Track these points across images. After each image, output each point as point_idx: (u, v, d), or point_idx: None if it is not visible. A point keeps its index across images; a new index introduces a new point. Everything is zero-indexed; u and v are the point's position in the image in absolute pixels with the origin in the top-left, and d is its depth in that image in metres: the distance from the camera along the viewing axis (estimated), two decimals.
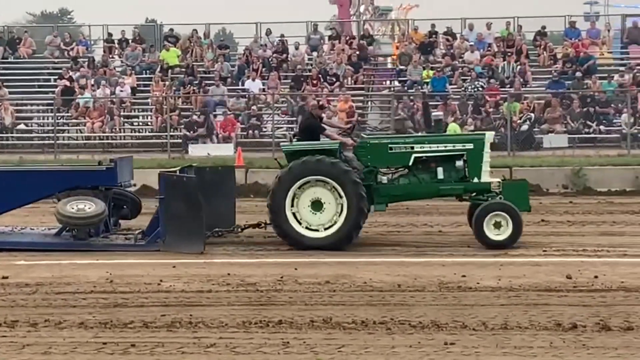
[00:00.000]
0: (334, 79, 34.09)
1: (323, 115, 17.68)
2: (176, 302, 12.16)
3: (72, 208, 16.65)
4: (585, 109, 31.15)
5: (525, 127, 30.47)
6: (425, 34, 36.73)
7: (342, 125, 19.33)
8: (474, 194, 16.75)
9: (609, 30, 36.54)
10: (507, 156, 27.48)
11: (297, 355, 9.76)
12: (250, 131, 32.21)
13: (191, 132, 31.88)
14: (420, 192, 17.13)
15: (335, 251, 15.77)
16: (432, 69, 33.97)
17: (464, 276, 13.47)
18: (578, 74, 32.65)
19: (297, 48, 36.54)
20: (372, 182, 16.45)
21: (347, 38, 37.44)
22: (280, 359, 9.68)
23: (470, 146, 16.65)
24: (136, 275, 13.91)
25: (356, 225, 16.11)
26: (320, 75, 34.03)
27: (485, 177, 16.64)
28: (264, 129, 32.63)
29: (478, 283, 13.04)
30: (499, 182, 16.81)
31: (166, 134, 31.93)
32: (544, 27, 36.01)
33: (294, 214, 16.13)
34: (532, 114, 30.90)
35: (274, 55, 36.11)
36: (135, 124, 35.49)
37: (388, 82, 35.97)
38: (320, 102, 18.33)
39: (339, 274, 13.77)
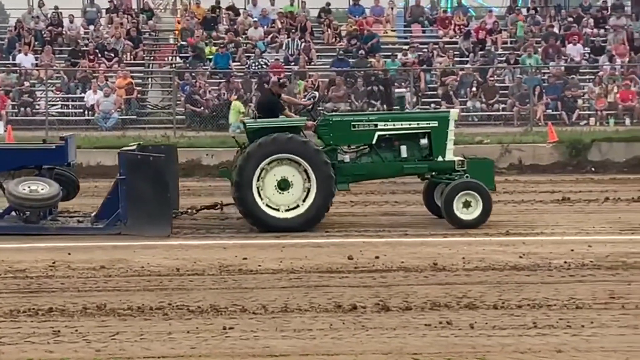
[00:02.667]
0: (113, 55, 33.12)
1: (282, 93, 16.92)
2: None
3: (24, 189, 15.54)
4: (369, 88, 31.42)
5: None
6: (208, 9, 36.18)
7: (303, 102, 18.60)
8: (437, 172, 16.37)
9: (392, 9, 36.99)
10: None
11: (68, 344, 9.30)
12: (22, 109, 30.87)
13: None
14: (384, 171, 16.75)
15: (301, 232, 15.31)
16: (215, 45, 33.53)
17: (245, 259, 13.22)
18: (362, 52, 32.91)
19: (72, 21, 35.23)
20: (335, 161, 15.91)
21: (126, 11, 36.39)
22: (50, 348, 9.18)
23: (435, 124, 16.34)
24: None
25: (325, 206, 15.62)
26: (97, 51, 33.03)
27: (450, 156, 16.31)
28: (37, 107, 31.30)
29: (259, 265, 12.82)
30: (462, 160, 16.40)
31: None
32: (328, 4, 36.07)
33: (259, 192, 15.48)
34: (317, 92, 30.82)
35: (48, 28, 34.73)
36: None
37: (169, 57, 35.27)
38: (281, 80, 17.55)
39: (115, 259, 13.29)
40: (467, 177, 16.00)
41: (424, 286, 11.58)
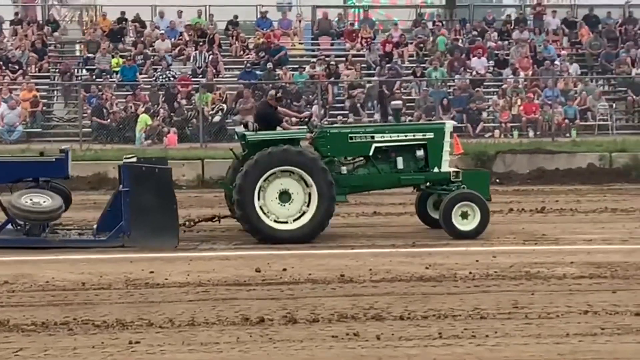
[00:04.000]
0: (17, 67, 32.63)
1: (278, 106, 17.00)
2: None
3: (27, 202, 15.27)
4: None
5: (217, 118, 30.39)
6: (114, 21, 35.89)
7: (298, 114, 18.53)
8: (433, 183, 16.47)
9: (300, 21, 37.13)
10: (200, 148, 27.27)
11: None
12: None
13: None
14: (381, 182, 16.80)
15: (305, 243, 15.35)
16: (121, 57, 33.25)
17: (152, 272, 13.12)
18: (270, 64, 32.94)
19: None
20: (333, 173, 15.84)
21: (31, 23, 35.90)
22: None
23: (431, 135, 16.45)
24: None
25: (329, 213, 15.65)
26: (1, 62, 32.52)
27: (445, 167, 16.40)
28: None
29: (166, 279, 12.74)
30: (457, 171, 16.49)
31: None
32: (236, 17, 36.08)
33: (260, 207, 15.41)
34: (225, 105, 30.89)
35: None
36: None
37: (75, 70, 34.85)
38: (278, 95, 17.63)
39: (19, 274, 13.06)
40: (463, 187, 16.17)
41: (331, 298, 11.62)
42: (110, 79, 32.07)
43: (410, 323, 10.42)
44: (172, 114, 30.38)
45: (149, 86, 31.83)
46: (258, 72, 32.91)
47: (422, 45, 34.86)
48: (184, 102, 31.16)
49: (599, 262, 13.61)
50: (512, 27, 36.46)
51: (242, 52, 34.67)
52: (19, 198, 15.46)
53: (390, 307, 11.07)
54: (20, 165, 16.50)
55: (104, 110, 30.07)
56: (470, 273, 12.95)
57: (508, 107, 30.91)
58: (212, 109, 30.63)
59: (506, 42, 35.43)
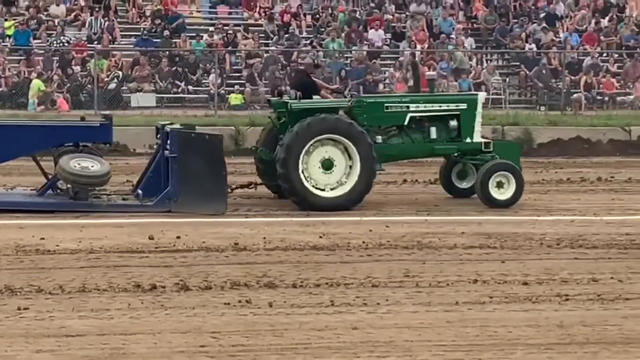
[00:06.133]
0: None
1: (315, 74, 17.10)
2: None
3: (76, 166, 15.08)
4: (173, 68, 31.21)
5: (113, 85, 30.03)
6: None
7: (330, 85, 18.53)
8: (464, 153, 16.73)
9: None
10: (94, 115, 26.88)
11: None
12: None
13: None
14: (415, 151, 17.06)
15: (349, 210, 15.54)
16: (14, 21, 32.54)
17: (42, 239, 12.93)
18: (167, 32, 32.62)
19: None
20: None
21: None
22: None
23: (464, 106, 16.66)
24: None
25: (367, 186, 15.80)
26: None
27: (477, 137, 16.59)
28: None
29: (57, 246, 12.58)
30: (488, 142, 16.74)
31: None
32: None
33: (304, 176, 15.48)
34: (120, 72, 30.53)
35: None
36: None
37: None
38: (315, 62, 17.34)
39: None
40: (496, 158, 16.38)
41: (224, 266, 11.63)
42: (3, 44, 31.39)
43: (303, 291, 10.48)
44: (66, 79, 29.91)
45: (43, 52, 31.25)
46: (155, 40, 32.56)
47: (318, 16, 34.88)
48: (78, 68, 30.69)
49: (489, 233, 13.85)
50: (409, 0, 36.69)
51: (138, 19, 34.24)
52: (68, 162, 15.36)
53: (283, 275, 11.11)
54: (64, 129, 16.51)
55: None
56: (363, 242, 13.07)
57: (404, 79, 31.13)
58: (108, 76, 30.25)
59: (403, 15, 35.66)
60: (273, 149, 16.12)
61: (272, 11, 35.20)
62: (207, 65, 31.47)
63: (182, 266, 11.58)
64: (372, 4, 35.94)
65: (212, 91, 30.21)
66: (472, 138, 16.69)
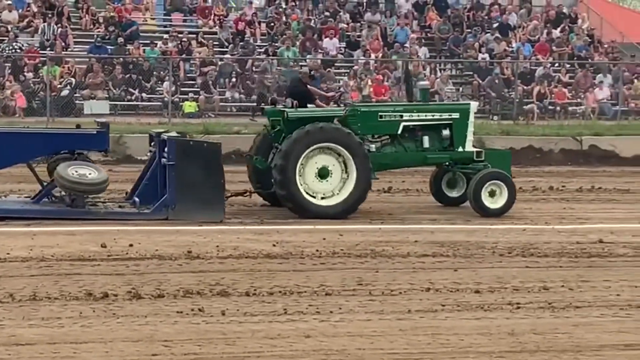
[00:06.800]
0: None
1: (311, 84, 17.19)
2: None
3: (73, 173, 14.98)
4: (127, 76, 31.07)
5: (66, 92, 29.82)
6: None
7: (327, 94, 18.61)
8: (457, 162, 16.92)
9: None
10: (47, 121, 26.71)
11: None
12: None
13: None
14: (408, 160, 17.21)
15: (345, 218, 15.67)
16: None
17: None
18: (120, 39, 32.48)
19: None
20: None
21: None
22: None
23: (456, 115, 16.83)
24: None
25: (362, 197, 15.96)
26: None
27: (469, 146, 16.81)
28: None
29: (8, 254, 12.45)
30: (479, 151, 16.90)
31: None
32: None
33: (301, 184, 15.59)
34: (73, 79, 30.34)
35: None
36: None
37: None
38: (312, 72, 17.42)
39: None
40: (488, 166, 16.54)
41: (177, 274, 11.59)
42: None
43: (256, 299, 10.47)
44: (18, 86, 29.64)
45: None
46: (108, 47, 32.40)
47: (273, 24, 34.89)
48: (30, 75, 30.45)
49: (442, 241, 13.92)
50: (364, 9, 36.83)
51: (92, 26, 34.06)
52: (65, 169, 15.29)
53: (237, 284, 11.09)
54: (61, 137, 16.44)
55: None
56: (317, 251, 13.08)
57: (358, 88, 31.23)
58: (60, 83, 30.04)
59: (358, 24, 35.76)
60: (267, 157, 16.42)
61: (227, 19, 35.17)
62: (161, 72, 31.35)
63: (134, 274, 11.52)
64: (327, 13, 36.01)
65: (166, 99, 30.09)
66: (464, 147, 16.91)
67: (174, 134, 16.54)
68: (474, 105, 17.72)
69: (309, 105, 16.98)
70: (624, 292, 11.08)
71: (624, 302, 10.60)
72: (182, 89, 31.33)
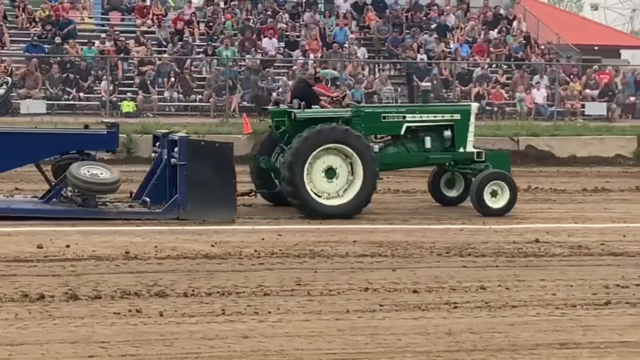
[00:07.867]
0: None
1: (316, 85, 17.30)
2: None
3: (86, 173, 14.91)
4: (65, 75, 30.80)
5: (2, 91, 29.48)
6: None
7: (331, 94, 18.37)
8: (457, 163, 17.19)
9: None
10: None
11: None
12: None
13: None
14: (410, 160, 17.48)
15: (351, 218, 15.89)
16: None
17: None
18: (58, 38, 32.18)
19: None
20: None
21: None
22: None
23: (458, 116, 17.11)
24: None
25: (367, 198, 16.20)
26: None
27: (470, 147, 17.06)
28: None
29: None
30: (480, 152, 17.19)
31: None
32: None
33: (308, 183, 15.69)
34: (10, 78, 30.01)
35: None
36: None
37: None
38: (317, 74, 18.02)
39: None
40: (489, 167, 16.75)
41: (114, 275, 11.51)
42: None
43: (194, 300, 10.44)
44: None
45: None
46: (45, 46, 32.09)
47: (212, 24, 34.80)
48: None
49: (380, 241, 13.98)
50: (302, 9, 36.86)
51: (28, 25, 33.72)
52: (78, 169, 15.24)
53: (175, 284, 11.05)
54: (71, 137, 16.37)
55: None
56: (255, 251, 13.07)
57: None
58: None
59: (297, 24, 35.79)
60: (270, 157, 16.78)
61: (165, 18, 35.01)
62: (99, 72, 31.12)
63: (71, 275, 11.43)
64: (266, 13, 35.98)
65: (104, 98, 29.86)
66: (465, 147, 17.19)
67: (182, 134, 16.58)
68: (474, 106, 18.09)
69: (313, 107, 17.03)
70: (559, 292, 11.20)
71: (560, 301, 10.72)
72: (120, 89, 31.15)
